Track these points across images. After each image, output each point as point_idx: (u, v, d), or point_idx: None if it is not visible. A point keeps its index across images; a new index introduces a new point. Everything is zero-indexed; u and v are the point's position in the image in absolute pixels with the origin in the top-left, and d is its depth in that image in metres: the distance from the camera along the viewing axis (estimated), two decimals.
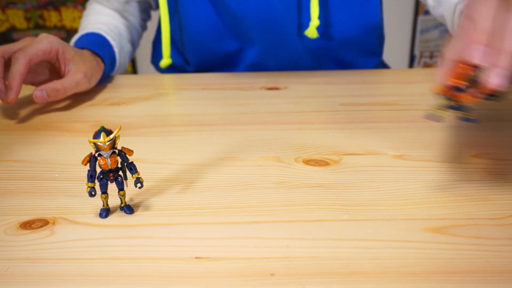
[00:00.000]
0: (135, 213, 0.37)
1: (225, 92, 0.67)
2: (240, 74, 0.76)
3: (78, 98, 0.65)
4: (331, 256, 0.31)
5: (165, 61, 0.78)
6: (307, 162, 0.45)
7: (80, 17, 2.10)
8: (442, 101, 0.31)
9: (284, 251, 0.32)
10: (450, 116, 0.34)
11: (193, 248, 0.32)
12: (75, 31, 2.10)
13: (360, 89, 0.67)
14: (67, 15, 2.13)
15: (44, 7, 2.11)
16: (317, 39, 0.74)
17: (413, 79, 0.73)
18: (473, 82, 0.30)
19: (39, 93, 0.58)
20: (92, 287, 0.29)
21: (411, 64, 2.23)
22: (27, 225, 0.35)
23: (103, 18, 0.81)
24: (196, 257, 0.31)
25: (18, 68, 0.56)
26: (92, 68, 0.66)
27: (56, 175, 0.43)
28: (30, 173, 0.44)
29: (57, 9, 2.11)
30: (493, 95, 0.31)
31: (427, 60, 2.24)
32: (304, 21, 0.75)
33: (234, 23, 0.77)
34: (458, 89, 0.31)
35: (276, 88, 0.68)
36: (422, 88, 0.67)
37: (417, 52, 2.22)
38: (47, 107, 0.62)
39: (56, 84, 0.60)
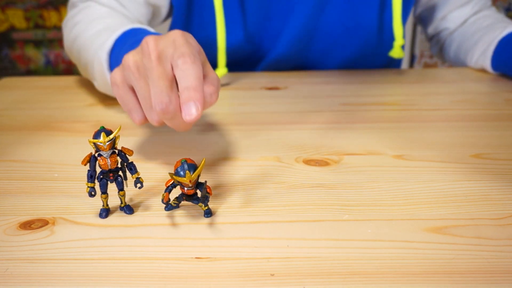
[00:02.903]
0: (135, 213, 0.37)
1: (225, 92, 0.67)
2: (241, 74, 0.76)
3: (78, 98, 0.65)
4: (331, 256, 0.31)
5: (221, 70, 0.71)
6: (307, 162, 0.45)
7: None
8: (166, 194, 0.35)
9: (284, 251, 0.32)
10: (184, 203, 0.38)
11: (193, 248, 0.32)
12: None
13: (360, 89, 0.67)
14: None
15: (44, 7, 2.11)
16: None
17: (413, 79, 0.73)
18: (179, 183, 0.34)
19: (191, 109, 0.35)
20: (92, 287, 0.29)
21: (411, 64, 2.23)
22: (27, 225, 0.35)
23: (118, 16, 0.76)
24: (196, 257, 0.31)
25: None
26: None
27: (56, 175, 0.43)
28: (29, 173, 0.44)
29: (56, 9, 2.11)
30: (195, 198, 0.35)
31: (427, 60, 2.24)
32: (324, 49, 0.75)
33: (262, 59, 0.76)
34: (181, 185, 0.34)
35: (276, 88, 0.68)
36: (422, 88, 0.67)
37: (417, 52, 2.22)
38: (47, 107, 0.62)
39: (207, 87, 0.38)
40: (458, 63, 0.80)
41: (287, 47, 0.75)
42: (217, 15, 0.70)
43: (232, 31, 0.73)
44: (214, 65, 0.73)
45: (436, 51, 0.87)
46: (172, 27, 0.77)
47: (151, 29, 0.56)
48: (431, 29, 0.84)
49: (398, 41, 0.70)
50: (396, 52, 0.71)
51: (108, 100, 0.65)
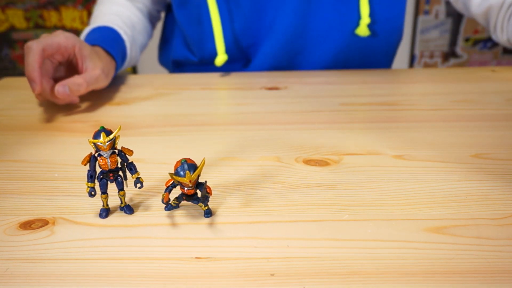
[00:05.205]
0: (135, 213, 0.37)
1: (225, 92, 0.68)
2: (240, 74, 0.76)
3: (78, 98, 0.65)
4: (331, 256, 0.31)
5: (221, 57, 0.76)
6: (307, 162, 0.45)
7: (80, 17, 2.11)
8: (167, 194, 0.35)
9: (284, 251, 0.32)
10: (184, 203, 0.38)
11: (193, 248, 0.32)
12: (75, 31, 2.10)
13: (360, 89, 0.67)
14: (67, 15, 2.13)
15: (44, 7, 2.11)
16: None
17: (413, 79, 0.73)
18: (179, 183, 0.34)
19: (61, 88, 0.57)
20: (92, 287, 0.29)
21: (411, 64, 2.23)
22: (27, 225, 0.35)
23: (116, 9, 0.80)
24: (196, 257, 0.31)
25: (33, 57, 0.56)
26: (108, 64, 0.66)
27: (56, 175, 0.43)
28: (30, 173, 0.44)
29: (57, 9, 2.12)
30: (195, 198, 0.35)
31: (427, 60, 2.24)
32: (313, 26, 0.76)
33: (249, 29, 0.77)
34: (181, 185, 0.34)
35: (276, 88, 0.68)
36: (422, 88, 0.67)
37: (417, 52, 2.22)
38: (48, 107, 0.62)
39: (77, 78, 0.59)
40: None
41: (279, 41, 0.77)
42: (210, 7, 0.74)
43: (227, 23, 0.76)
44: (214, 54, 0.78)
45: (490, 28, 0.77)
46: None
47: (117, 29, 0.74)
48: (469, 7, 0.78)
49: (364, 19, 0.73)
50: (361, 30, 0.74)
51: (108, 100, 0.65)
